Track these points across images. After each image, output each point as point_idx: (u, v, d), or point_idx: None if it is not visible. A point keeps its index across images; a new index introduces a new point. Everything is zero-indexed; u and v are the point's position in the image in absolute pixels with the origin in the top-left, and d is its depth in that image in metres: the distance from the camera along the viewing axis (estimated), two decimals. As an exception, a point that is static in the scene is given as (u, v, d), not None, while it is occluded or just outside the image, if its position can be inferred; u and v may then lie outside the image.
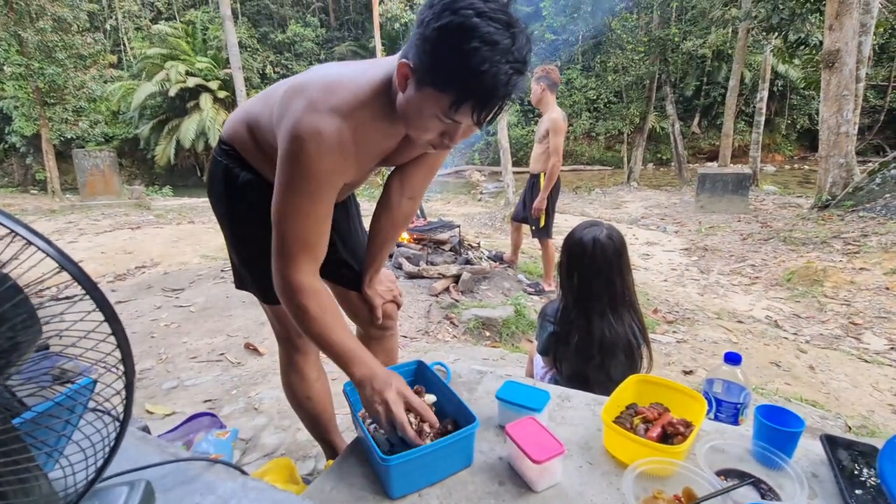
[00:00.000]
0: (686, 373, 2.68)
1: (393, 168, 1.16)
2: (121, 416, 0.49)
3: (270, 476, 0.92)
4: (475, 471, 0.82)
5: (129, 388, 0.47)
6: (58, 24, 10.72)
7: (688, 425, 0.86)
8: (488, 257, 4.31)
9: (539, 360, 1.59)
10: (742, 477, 0.78)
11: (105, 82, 14.07)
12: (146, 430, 1.23)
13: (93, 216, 7.32)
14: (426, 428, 0.83)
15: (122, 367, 0.45)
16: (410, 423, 0.81)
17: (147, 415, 1.84)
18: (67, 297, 0.52)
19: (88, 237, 5.76)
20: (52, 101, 11.70)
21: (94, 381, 0.73)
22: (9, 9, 10.07)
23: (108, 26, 19.55)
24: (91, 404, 0.59)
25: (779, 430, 0.79)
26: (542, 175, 3.74)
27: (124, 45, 20.00)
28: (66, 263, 0.41)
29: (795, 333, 3.65)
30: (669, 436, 0.85)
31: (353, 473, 0.84)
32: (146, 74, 17.12)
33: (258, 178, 1.02)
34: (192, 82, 16.44)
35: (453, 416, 0.88)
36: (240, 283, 1.23)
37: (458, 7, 0.67)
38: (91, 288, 0.41)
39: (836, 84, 6.62)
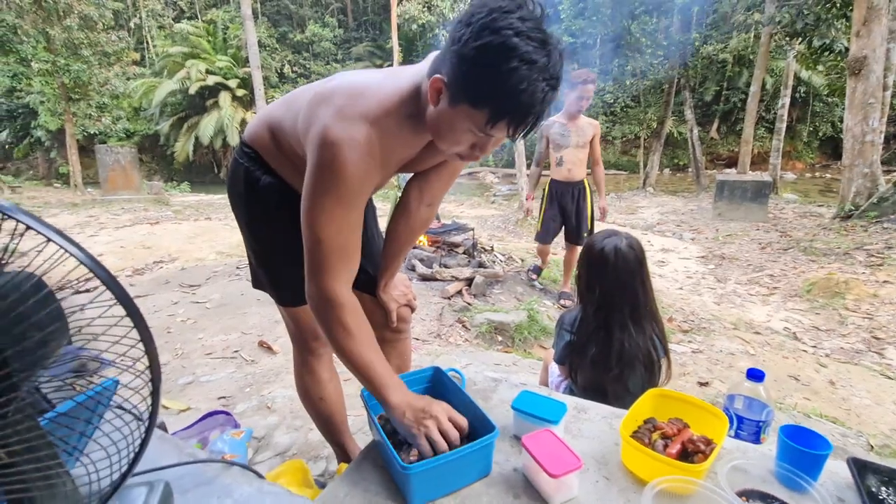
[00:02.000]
0: (702, 384, 2.63)
1: (410, 176, 1.16)
2: (146, 421, 0.49)
3: (284, 479, 0.92)
4: (490, 482, 0.82)
5: (156, 394, 0.47)
6: (84, 21, 10.97)
7: (708, 443, 0.84)
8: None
9: (554, 369, 1.57)
10: (765, 499, 0.76)
11: (128, 79, 14.36)
12: (163, 426, 1.25)
13: (113, 211, 7.48)
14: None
15: (149, 374, 0.45)
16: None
17: (163, 410, 1.87)
18: (93, 299, 0.52)
19: (108, 231, 5.88)
20: (76, 97, 11.99)
21: (117, 382, 0.74)
22: (38, 6, 10.34)
23: (132, 24, 19.97)
24: (116, 403, 0.60)
25: (804, 451, 0.77)
26: (586, 181, 3.56)
27: (147, 43, 20.40)
28: (98, 269, 0.41)
29: (815, 346, 3.56)
30: (690, 453, 0.83)
31: (367, 479, 0.84)
32: (168, 72, 17.44)
33: (279, 181, 1.03)
34: (211, 80, 16.70)
35: (471, 424, 0.88)
36: (256, 283, 1.24)
37: (497, 27, 0.68)
38: (122, 296, 0.42)
39: (861, 91, 6.47)
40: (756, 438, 0.97)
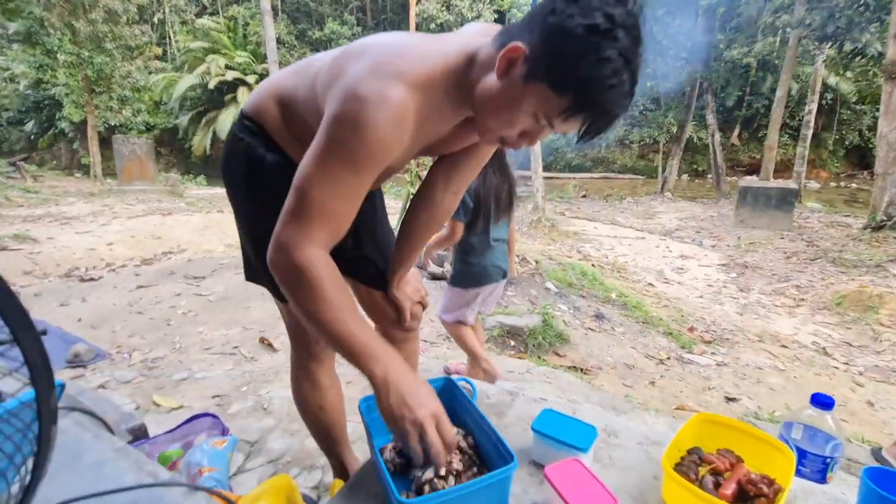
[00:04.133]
0: (729, 399, 2.46)
1: (435, 159, 1.03)
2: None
3: (265, 500, 0.80)
4: (505, 520, 0.68)
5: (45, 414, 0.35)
6: (109, 15, 11.12)
7: (771, 483, 0.69)
8: None
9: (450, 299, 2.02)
10: (846, 559, 0.61)
11: (150, 73, 14.52)
12: (143, 429, 1.14)
13: (127, 200, 7.50)
14: (455, 464, 0.69)
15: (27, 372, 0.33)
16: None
17: (154, 406, 1.77)
18: None
19: (121, 221, 5.87)
20: (99, 89, 12.15)
21: (63, 386, 0.63)
22: (64, 0, 10.50)
23: (155, 20, 20.22)
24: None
25: (896, 502, 0.62)
26: None
27: (170, 38, 20.65)
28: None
29: (847, 363, 3.36)
30: (749, 496, 0.68)
31: (359, 509, 0.71)
32: (188, 67, 17.61)
33: (286, 160, 0.91)
34: (230, 76, 16.81)
35: (485, 447, 0.74)
36: (251, 275, 1.12)
37: (611, 13, 0.62)
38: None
39: (899, 97, 6.18)
40: (822, 477, 0.82)
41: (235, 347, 2.40)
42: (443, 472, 0.68)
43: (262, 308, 2.89)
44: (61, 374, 1.99)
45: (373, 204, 1.13)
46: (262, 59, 17.23)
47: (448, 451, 0.69)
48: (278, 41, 15.05)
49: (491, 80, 0.69)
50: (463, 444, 0.75)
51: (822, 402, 0.83)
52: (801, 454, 0.83)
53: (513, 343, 2.81)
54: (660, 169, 14.19)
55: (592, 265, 5.14)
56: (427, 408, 0.68)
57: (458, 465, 0.72)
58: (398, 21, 22.70)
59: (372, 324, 1.17)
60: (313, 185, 0.71)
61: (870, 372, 3.18)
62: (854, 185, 15.77)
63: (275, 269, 0.73)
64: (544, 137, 0.74)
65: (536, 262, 4.50)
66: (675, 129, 13.43)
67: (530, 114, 0.68)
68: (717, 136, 12.36)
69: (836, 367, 3.23)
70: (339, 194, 0.72)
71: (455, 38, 0.78)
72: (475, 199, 1.85)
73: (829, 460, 0.81)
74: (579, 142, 0.70)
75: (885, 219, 6.35)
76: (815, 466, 0.82)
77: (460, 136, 0.86)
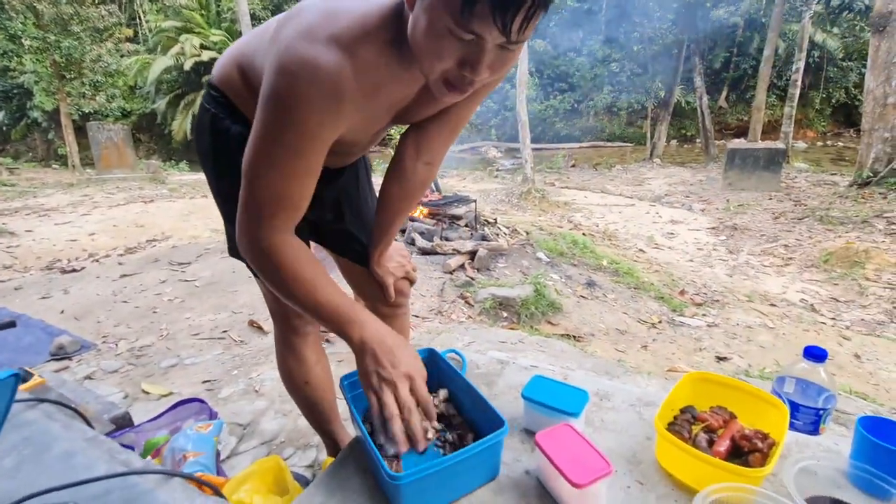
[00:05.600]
0: (720, 359, 2.49)
1: (406, 128, 0.97)
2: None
3: (252, 482, 0.78)
4: (498, 489, 0.67)
5: None
6: (72, -5, 10.58)
7: (764, 438, 0.68)
8: None
9: None
10: (840, 508, 0.60)
11: (122, 56, 13.94)
12: (126, 418, 1.12)
13: (107, 189, 7.32)
14: (429, 432, 0.66)
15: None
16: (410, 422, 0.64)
17: (143, 395, 1.74)
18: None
19: (102, 210, 5.73)
20: (70, 75, 11.68)
21: (18, 376, 0.59)
22: (23, -20, 9.97)
23: (123, -1, 19.33)
24: None
25: (890, 449, 0.61)
26: None
27: (140, 18, 19.79)
28: None
29: (834, 318, 3.42)
30: (743, 451, 0.67)
31: (348, 487, 0.69)
32: (161, 48, 16.96)
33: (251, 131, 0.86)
34: (206, 56, 16.20)
35: (474, 417, 0.72)
36: (233, 250, 1.08)
37: None
38: None
39: (885, 50, 6.12)
40: (815, 429, 0.81)
41: (224, 332, 2.36)
42: (419, 447, 0.64)
43: (250, 291, 2.85)
44: (45, 367, 1.95)
45: (356, 176, 1.08)
46: (237, 36, 16.61)
47: (426, 416, 0.66)
48: (253, 17, 14.45)
49: (410, 20, 0.62)
50: (442, 408, 0.73)
51: (815, 354, 0.82)
52: (794, 407, 0.82)
53: (505, 314, 2.81)
54: (648, 135, 14.10)
55: (583, 234, 5.13)
56: (403, 367, 0.66)
57: (451, 436, 0.71)
58: (377, -9, 21.93)
59: (352, 294, 1.14)
60: (257, 173, 0.68)
61: (856, 326, 3.23)
62: (840, 144, 15.84)
63: (245, 256, 0.74)
64: (497, 70, 0.63)
65: (527, 232, 4.48)
66: (662, 94, 13.28)
67: (446, 32, 0.57)
68: (705, 99, 12.25)
69: (824, 323, 3.28)
70: (285, 181, 0.68)
71: None
72: None
73: (821, 412, 0.80)
74: (509, 39, 0.56)
75: (871, 175, 6.39)
76: (808, 419, 0.81)
77: (427, 100, 0.80)
